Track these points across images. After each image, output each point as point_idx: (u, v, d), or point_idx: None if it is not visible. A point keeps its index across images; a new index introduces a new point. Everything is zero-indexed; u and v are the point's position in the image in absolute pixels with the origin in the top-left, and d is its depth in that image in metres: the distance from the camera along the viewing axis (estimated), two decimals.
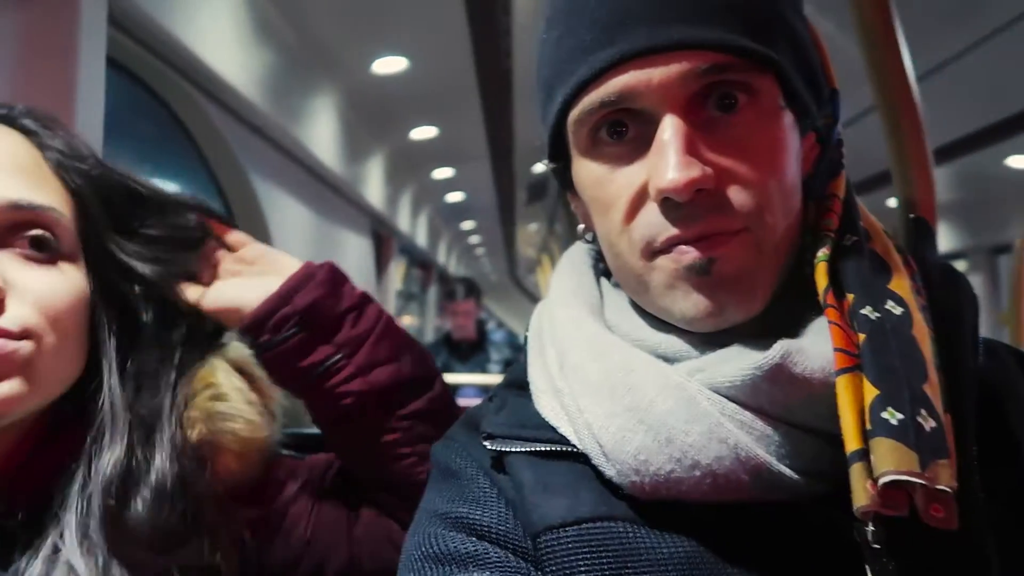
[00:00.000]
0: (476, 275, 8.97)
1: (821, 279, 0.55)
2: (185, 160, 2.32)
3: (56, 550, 0.62)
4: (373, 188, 4.16)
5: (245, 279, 0.78)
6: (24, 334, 0.59)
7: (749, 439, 0.52)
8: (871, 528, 0.48)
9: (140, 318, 0.71)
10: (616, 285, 0.70)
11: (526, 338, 0.74)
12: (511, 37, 2.81)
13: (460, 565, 0.60)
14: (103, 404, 0.67)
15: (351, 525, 0.80)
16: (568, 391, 0.61)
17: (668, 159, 0.51)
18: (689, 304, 0.55)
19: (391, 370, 0.77)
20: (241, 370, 0.77)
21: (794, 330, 0.55)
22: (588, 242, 0.74)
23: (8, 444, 0.63)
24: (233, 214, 2.55)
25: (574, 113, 0.58)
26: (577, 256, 0.74)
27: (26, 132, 0.67)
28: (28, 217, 0.62)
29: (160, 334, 0.72)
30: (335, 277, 0.78)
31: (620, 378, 0.57)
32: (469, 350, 4.41)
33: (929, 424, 0.48)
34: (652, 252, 0.56)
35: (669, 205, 0.53)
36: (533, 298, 15.79)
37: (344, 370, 0.76)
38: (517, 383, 0.71)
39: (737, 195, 0.53)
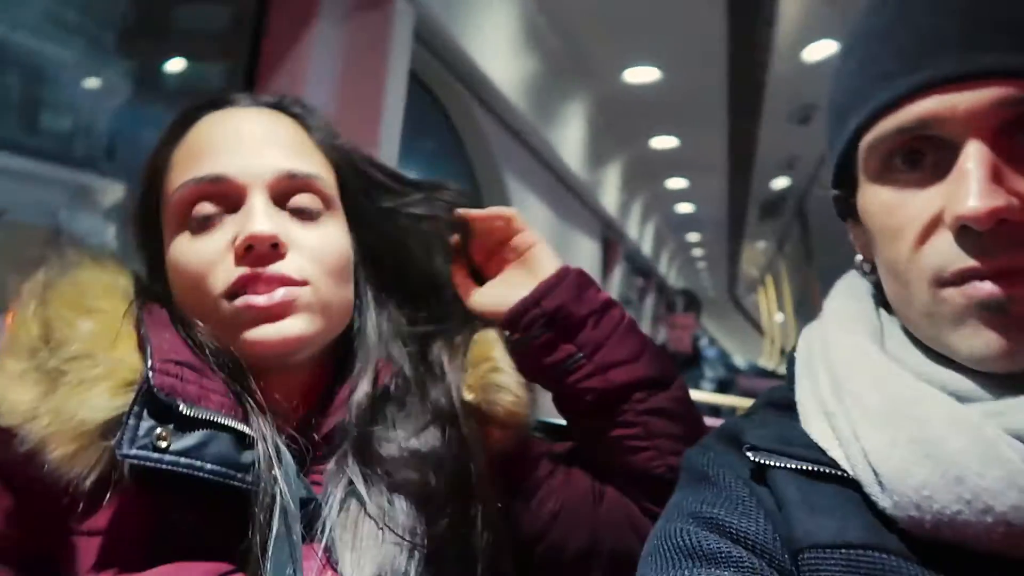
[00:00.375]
0: (694, 289, 8.75)
1: None
2: (452, 156, 2.55)
3: (350, 481, 0.69)
4: (608, 193, 4.24)
5: (507, 280, 0.85)
6: (304, 281, 0.67)
7: None
8: None
9: (406, 277, 0.80)
10: (897, 317, 0.68)
11: (791, 359, 0.74)
12: (769, 51, 2.74)
13: (712, 563, 0.60)
14: (361, 342, 0.76)
15: (596, 504, 0.84)
16: (843, 416, 0.60)
17: (970, 186, 0.49)
18: (979, 342, 0.53)
19: (629, 370, 0.81)
20: None
21: None
22: (865, 273, 0.72)
23: (307, 379, 0.72)
24: (485, 207, 2.74)
25: (867, 139, 0.57)
26: (856, 283, 0.73)
27: (294, 116, 0.75)
28: (300, 184, 0.70)
29: (430, 299, 0.81)
30: (582, 281, 0.82)
31: (906, 409, 0.55)
32: (683, 364, 4.31)
33: None
34: (941, 282, 0.54)
35: (966, 235, 0.51)
36: (750, 318, 15.02)
37: (583, 368, 0.81)
38: (781, 402, 0.71)
39: None
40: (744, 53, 2.72)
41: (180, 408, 0.60)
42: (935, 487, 0.52)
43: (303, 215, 0.71)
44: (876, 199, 0.59)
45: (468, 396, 0.78)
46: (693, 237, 8.20)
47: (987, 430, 0.52)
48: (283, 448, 0.66)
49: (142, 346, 0.63)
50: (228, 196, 0.68)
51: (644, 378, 0.82)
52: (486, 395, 0.79)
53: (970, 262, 0.52)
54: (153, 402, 0.59)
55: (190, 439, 0.60)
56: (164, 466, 0.58)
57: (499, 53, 2.22)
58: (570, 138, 3.22)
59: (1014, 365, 0.53)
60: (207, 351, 0.66)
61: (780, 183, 5.09)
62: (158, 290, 0.72)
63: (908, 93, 0.53)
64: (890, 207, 0.58)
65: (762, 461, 0.65)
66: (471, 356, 0.82)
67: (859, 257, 0.71)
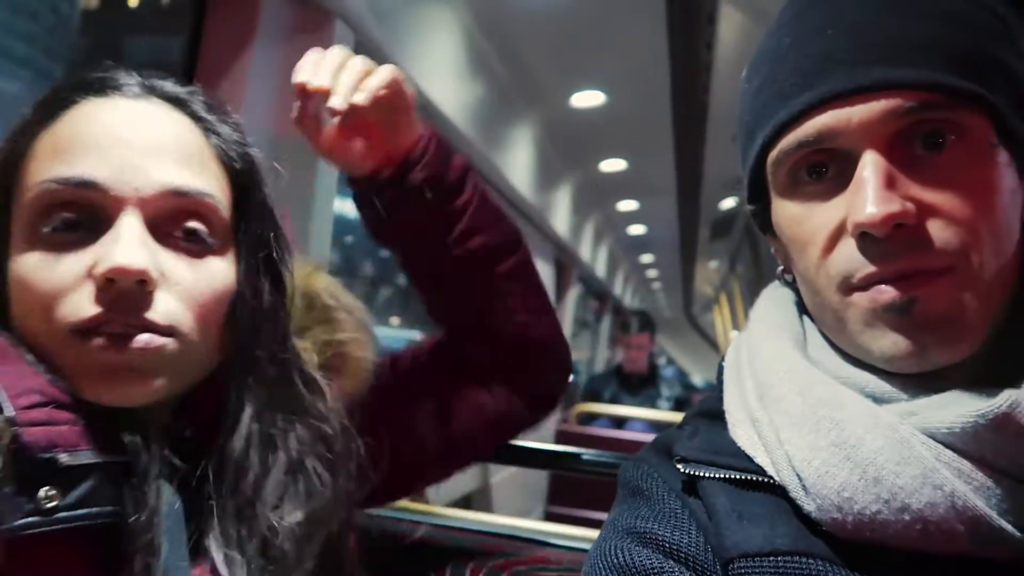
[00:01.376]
0: (651, 309, 8.84)
1: None
2: None
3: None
4: (560, 217, 4.27)
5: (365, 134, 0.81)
6: (170, 330, 0.58)
7: (967, 489, 0.50)
8: None
9: (264, 297, 0.67)
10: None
11: (720, 368, 0.76)
12: (711, 73, 2.81)
13: None
14: (232, 396, 0.66)
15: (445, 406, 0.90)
16: (767, 422, 0.62)
17: (867, 194, 0.52)
18: (887, 343, 0.55)
19: (483, 240, 0.87)
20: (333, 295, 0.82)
21: (1019, 379, 0.53)
22: (787, 283, 0.74)
23: (167, 399, 0.62)
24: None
25: (773, 154, 0.60)
26: (779, 292, 0.75)
27: (195, 118, 0.64)
28: (187, 205, 0.60)
29: (277, 304, 0.69)
30: (444, 146, 0.85)
31: (826, 413, 0.57)
32: (640, 384, 4.36)
33: None
34: (849, 288, 0.56)
35: (867, 241, 0.54)
36: (707, 337, 15.25)
37: (449, 234, 0.85)
38: (710, 412, 0.72)
39: (941, 232, 0.52)
40: (686, 75, 2.78)
41: (62, 460, 0.52)
42: (855, 488, 0.53)
43: (184, 245, 0.61)
44: (785, 212, 0.62)
45: (314, 360, 0.74)
46: (647, 258, 8.31)
47: (902, 430, 0.53)
48: (156, 468, 0.59)
49: None
50: (95, 208, 0.57)
51: (499, 244, 0.89)
52: (326, 352, 0.77)
53: (872, 268, 0.54)
54: (27, 461, 0.50)
55: (79, 489, 0.53)
56: (57, 527, 0.51)
57: (444, 78, 2.23)
58: (519, 162, 3.25)
59: (923, 364, 0.55)
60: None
61: (728, 203, 5.20)
62: None
63: (806, 109, 0.56)
64: (798, 219, 0.60)
65: (692, 472, 0.65)
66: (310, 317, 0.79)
67: (780, 268, 0.73)
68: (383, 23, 1.73)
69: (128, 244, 0.56)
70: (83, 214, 0.57)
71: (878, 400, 0.58)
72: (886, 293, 0.54)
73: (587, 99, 3.09)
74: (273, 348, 0.68)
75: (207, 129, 0.65)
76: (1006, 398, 0.51)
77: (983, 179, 0.54)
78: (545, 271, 4.33)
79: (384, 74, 0.78)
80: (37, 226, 0.57)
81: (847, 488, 0.53)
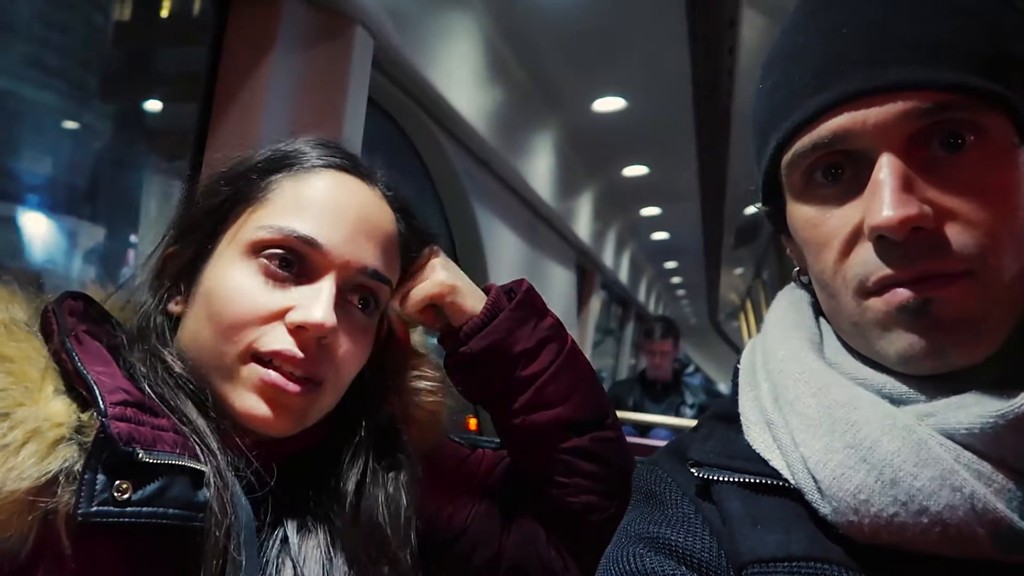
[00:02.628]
0: (675, 317, 8.79)
1: None
2: (420, 189, 2.55)
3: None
4: (582, 222, 4.26)
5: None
6: (320, 383, 0.69)
7: (987, 491, 0.49)
8: None
9: (387, 357, 0.83)
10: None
11: (736, 370, 0.74)
12: (734, 78, 2.79)
13: None
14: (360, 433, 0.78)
15: (505, 527, 0.87)
16: (782, 424, 0.61)
17: (883, 197, 0.51)
18: (904, 345, 0.54)
19: (554, 412, 0.83)
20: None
21: None
22: (803, 285, 0.73)
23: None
24: (454, 239, 2.75)
25: (787, 156, 0.59)
26: (795, 294, 0.74)
27: (399, 211, 0.78)
28: (372, 285, 0.73)
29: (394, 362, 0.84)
30: (518, 316, 0.83)
31: (842, 414, 0.56)
32: (663, 391, 4.32)
33: None
34: (865, 292, 0.55)
35: (884, 244, 0.53)
36: (733, 345, 15.09)
37: (510, 404, 0.83)
38: (725, 415, 0.71)
39: (958, 236, 0.51)
40: (708, 80, 2.77)
41: (139, 456, 0.57)
42: (871, 490, 0.52)
43: (354, 312, 0.73)
44: (801, 215, 0.61)
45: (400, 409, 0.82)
46: (671, 264, 8.26)
47: (919, 431, 0.52)
48: (235, 483, 0.64)
49: (72, 386, 0.59)
50: (307, 259, 0.69)
51: (568, 420, 0.83)
52: (408, 397, 0.83)
53: (888, 271, 0.53)
54: (109, 451, 0.56)
55: (151, 487, 0.57)
56: (126, 519, 0.55)
57: (465, 84, 2.24)
58: (541, 168, 3.25)
59: (940, 365, 0.54)
60: (161, 382, 0.65)
61: (753, 209, 5.14)
62: (92, 311, 0.69)
63: (821, 110, 0.55)
64: (814, 222, 0.59)
65: (706, 476, 0.65)
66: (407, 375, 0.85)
67: (796, 269, 0.72)
68: (403, 30, 1.75)
69: (327, 305, 0.67)
70: (296, 261, 0.69)
71: (895, 401, 0.56)
72: (900, 295, 0.53)
73: (608, 104, 3.08)
74: (382, 401, 0.81)
75: (402, 221, 0.78)
76: None
77: (1004, 181, 0.52)
78: (567, 277, 4.33)
79: (423, 292, 0.83)
80: (254, 254, 0.68)
81: (863, 490, 0.52)
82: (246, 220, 0.70)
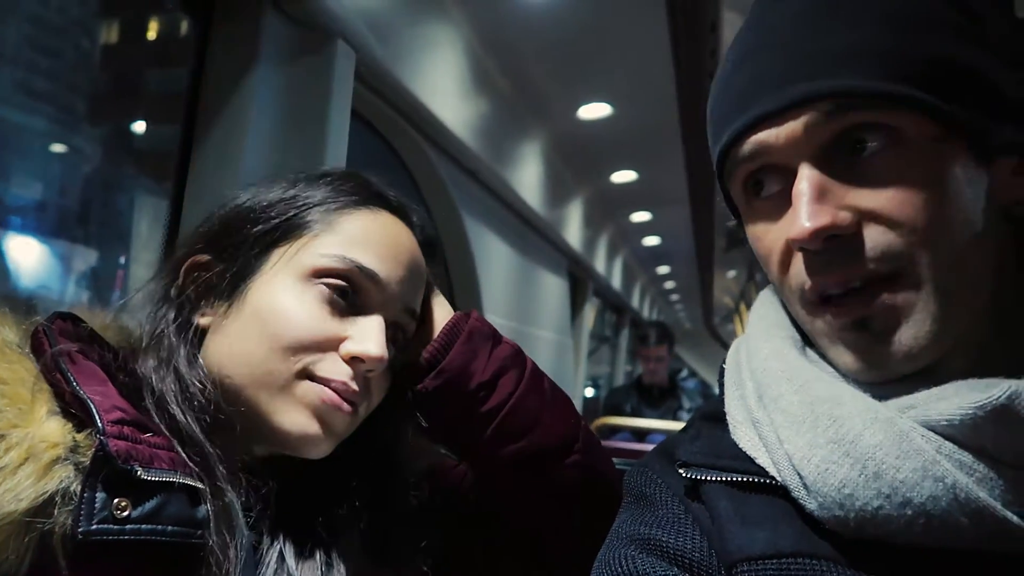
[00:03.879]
0: (670, 322, 8.79)
1: None
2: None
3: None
4: (572, 230, 4.27)
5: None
6: (356, 407, 0.72)
7: (969, 480, 0.49)
8: None
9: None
10: None
11: (722, 370, 0.75)
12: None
13: None
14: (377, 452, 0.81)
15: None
16: (767, 422, 0.61)
17: (799, 209, 0.53)
18: (849, 359, 0.57)
19: (518, 447, 0.80)
20: None
21: (1019, 371, 0.52)
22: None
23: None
24: (444, 250, 2.76)
25: (726, 174, 0.63)
26: (776, 295, 0.74)
27: (431, 258, 0.83)
28: (406, 322, 0.78)
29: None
30: (469, 349, 0.80)
31: (824, 409, 0.56)
32: (660, 396, 4.33)
33: None
34: (807, 303, 0.59)
35: (807, 255, 0.55)
36: (728, 348, 15.10)
37: (476, 441, 0.80)
38: (713, 415, 0.72)
39: (880, 238, 0.52)
40: (691, 84, 2.78)
41: (138, 473, 0.57)
42: (855, 484, 0.52)
43: (389, 349, 0.74)
44: (749, 231, 0.64)
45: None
46: (663, 269, 8.27)
47: (901, 423, 0.52)
48: (234, 499, 0.64)
49: (66, 406, 0.60)
50: (363, 291, 0.72)
51: (535, 451, 0.81)
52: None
53: (812, 279, 0.56)
54: (108, 469, 0.56)
55: (149, 504, 0.58)
56: (125, 537, 0.56)
57: (449, 95, 2.25)
58: (529, 176, 3.25)
59: (890, 374, 0.56)
60: (167, 397, 0.65)
61: None
62: (82, 331, 0.68)
63: (743, 130, 0.58)
64: (758, 236, 0.62)
65: (694, 476, 0.65)
66: None
67: None
68: (385, 43, 1.75)
69: (380, 340, 0.71)
70: (355, 290, 0.72)
71: (876, 395, 0.57)
72: (840, 317, 0.56)
73: (594, 111, 3.09)
74: (384, 422, 0.82)
75: (428, 278, 0.83)
76: (1005, 389, 0.49)
77: (923, 177, 0.53)
78: (560, 285, 4.33)
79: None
80: (312, 278, 0.71)
81: (848, 484, 0.52)
82: (305, 245, 0.72)
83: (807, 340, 0.66)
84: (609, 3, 2.24)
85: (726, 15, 2.32)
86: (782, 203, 0.58)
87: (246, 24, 1.43)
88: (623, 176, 4.19)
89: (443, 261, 0.92)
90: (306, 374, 0.69)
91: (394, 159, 2.41)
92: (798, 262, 0.58)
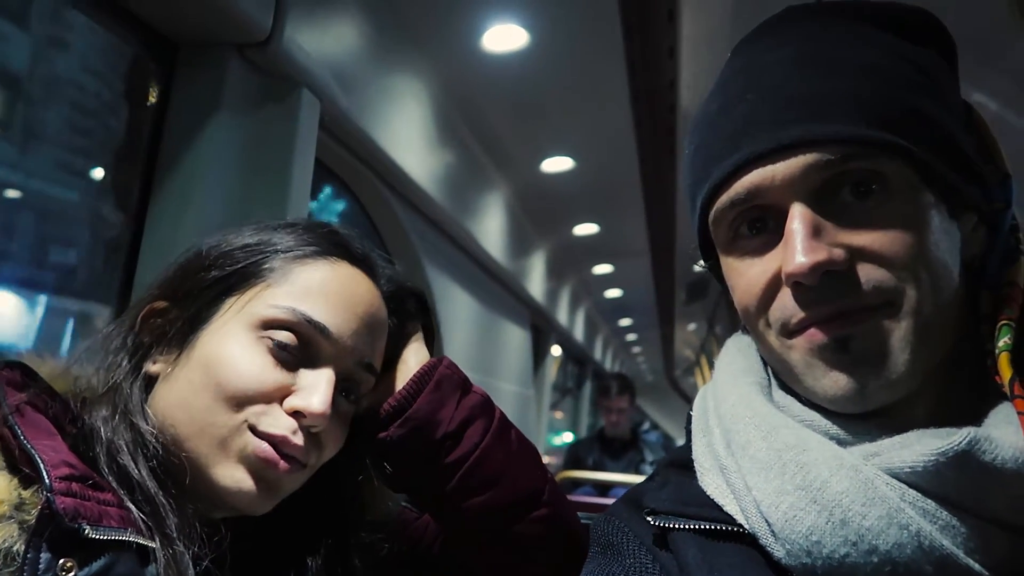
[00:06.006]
0: (632, 374, 8.82)
1: (1005, 370, 0.53)
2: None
3: None
4: (535, 281, 4.29)
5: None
6: (303, 466, 0.70)
7: (932, 528, 0.49)
8: None
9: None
10: None
11: (689, 417, 0.74)
12: (675, 136, 2.88)
13: None
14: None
15: None
16: (735, 469, 0.61)
17: (795, 245, 0.54)
18: (829, 383, 0.56)
19: (482, 500, 0.78)
20: None
21: (975, 419, 0.53)
22: (747, 332, 0.74)
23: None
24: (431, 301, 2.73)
25: (711, 214, 0.63)
26: (743, 341, 0.75)
27: (392, 312, 0.80)
28: (362, 378, 0.75)
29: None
30: (436, 398, 0.78)
31: (791, 456, 0.56)
32: (622, 448, 4.31)
33: None
34: (788, 332, 0.59)
35: (800, 289, 0.56)
36: (690, 401, 15.20)
37: (438, 493, 0.78)
38: (680, 462, 0.71)
39: (872, 273, 0.54)
40: (651, 139, 2.85)
41: (86, 532, 0.55)
42: (822, 531, 0.52)
43: (339, 402, 0.73)
44: (728, 265, 0.64)
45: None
46: (625, 322, 8.34)
47: (866, 471, 0.52)
48: (185, 560, 0.61)
49: (13, 461, 0.57)
50: (312, 344, 0.70)
51: (499, 505, 0.79)
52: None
53: (804, 313, 0.56)
54: (54, 528, 0.54)
55: (96, 564, 0.55)
56: None
57: (413, 145, 2.26)
58: (492, 228, 3.28)
59: (865, 402, 0.56)
60: (123, 449, 0.62)
61: (701, 266, 5.25)
62: (31, 382, 0.66)
63: (734, 170, 0.59)
64: (739, 272, 0.62)
65: (663, 524, 0.64)
66: None
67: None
68: (349, 93, 1.76)
69: (326, 396, 0.69)
70: (301, 343, 0.70)
71: (842, 442, 0.58)
72: (820, 334, 0.56)
73: (557, 164, 3.15)
74: (343, 479, 0.81)
75: (393, 318, 0.81)
76: (965, 435, 0.50)
77: (909, 219, 0.55)
78: (522, 336, 4.32)
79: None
80: (258, 330, 0.69)
81: (815, 532, 0.52)
82: (258, 295, 0.70)
83: (778, 384, 0.66)
84: (572, 61, 2.30)
85: (683, 73, 2.40)
86: (768, 240, 0.59)
87: (210, 70, 1.43)
88: (585, 228, 4.25)
89: (424, 310, 0.86)
90: (249, 427, 0.66)
91: (356, 208, 2.40)
92: (784, 296, 0.58)
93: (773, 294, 0.59)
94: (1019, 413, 0.50)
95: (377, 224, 2.49)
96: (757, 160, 0.57)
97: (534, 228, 4.05)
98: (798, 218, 0.55)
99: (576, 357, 7.57)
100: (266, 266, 0.72)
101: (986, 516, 0.50)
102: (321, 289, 0.71)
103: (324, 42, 1.63)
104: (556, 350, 6.05)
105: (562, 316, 5.43)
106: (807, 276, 0.53)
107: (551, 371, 5.68)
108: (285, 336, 0.69)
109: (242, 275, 0.71)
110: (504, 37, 2.13)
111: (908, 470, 0.51)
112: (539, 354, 5.25)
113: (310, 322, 0.69)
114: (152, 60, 1.45)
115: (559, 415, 8.59)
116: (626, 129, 2.74)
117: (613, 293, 6.43)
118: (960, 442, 0.50)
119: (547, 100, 2.57)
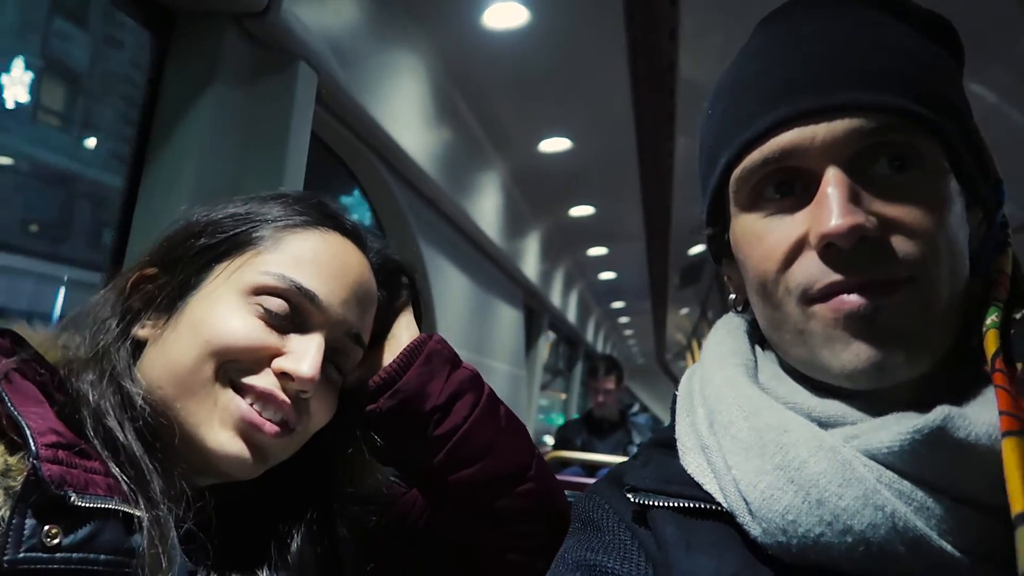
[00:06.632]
0: (623, 357, 8.87)
1: (991, 344, 0.53)
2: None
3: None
4: (529, 262, 4.29)
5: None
6: (291, 431, 0.70)
7: (907, 509, 0.50)
8: None
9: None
10: (770, 351, 0.70)
11: (675, 397, 0.75)
12: (675, 121, 2.87)
13: None
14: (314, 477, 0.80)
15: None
16: (716, 448, 0.62)
17: (831, 207, 0.53)
18: (849, 355, 0.55)
19: (469, 473, 0.79)
20: None
21: (956, 399, 0.54)
22: (739, 311, 0.75)
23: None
24: (422, 277, 2.73)
25: (736, 172, 0.62)
26: (732, 322, 0.75)
27: (381, 284, 0.81)
28: (351, 348, 0.76)
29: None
30: (426, 371, 0.79)
31: (772, 437, 0.57)
32: (609, 429, 4.34)
33: None
34: (810, 299, 0.57)
35: (831, 252, 0.55)
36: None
37: (427, 465, 0.79)
38: (663, 442, 0.72)
39: (902, 244, 0.54)
40: (650, 122, 2.84)
41: (72, 499, 0.55)
42: (799, 511, 0.53)
43: (328, 371, 0.74)
44: (747, 226, 0.63)
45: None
46: (618, 304, 8.36)
47: (844, 452, 0.53)
48: (171, 528, 0.62)
49: (0, 429, 0.57)
50: (302, 312, 0.71)
51: (486, 479, 0.80)
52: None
53: (836, 277, 0.55)
54: (39, 495, 0.54)
55: (82, 531, 0.55)
56: (55, 566, 0.53)
57: (411, 122, 2.25)
58: (488, 207, 3.27)
59: (885, 378, 0.55)
60: (111, 415, 0.63)
61: (697, 248, 5.27)
62: (20, 349, 0.66)
63: (772, 126, 0.58)
64: (759, 233, 0.61)
65: (642, 502, 0.65)
66: None
67: (732, 296, 0.74)
68: (348, 67, 1.75)
69: (315, 360, 0.69)
70: (293, 310, 0.71)
71: (824, 424, 0.58)
72: (849, 302, 0.54)
73: (554, 145, 3.14)
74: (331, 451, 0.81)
75: (383, 291, 0.82)
76: (940, 413, 0.51)
77: (938, 196, 0.56)
78: (515, 317, 4.33)
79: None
80: (250, 295, 0.69)
81: (791, 511, 0.53)
82: (248, 262, 0.71)
83: (768, 364, 0.66)
84: (573, 41, 2.28)
85: (683, 56, 2.39)
86: (795, 204, 0.59)
87: (206, 40, 1.41)
88: (581, 210, 4.24)
89: (412, 286, 0.86)
90: (229, 381, 0.67)
91: (352, 182, 2.40)
92: (807, 260, 0.57)
93: (794, 258, 0.58)
94: (997, 387, 0.50)
95: (373, 200, 2.49)
96: (798, 119, 0.56)
97: (530, 208, 4.05)
98: (834, 181, 0.54)
99: (568, 338, 7.59)
100: (256, 234, 0.72)
101: (961, 497, 0.51)
102: (312, 258, 0.72)
103: (322, 14, 1.62)
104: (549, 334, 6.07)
105: (555, 297, 5.44)
106: (844, 238, 0.53)
107: (543, 352, 5.70)
108: (275, 303, 0.69)
109: (232, 242, 0.72)
110: (505, 14, 2.12)
111: (885, 451, 0.52)
112: (532, 335, 5.26)
113: (300, 289, 0.70)
114: (148, 29, 1.44)
115: (563, 396, 8.64)
116: (625, 111, 2.73)
117: (607, 275, 6.44)
118: (935, 420, 0.51)
119: (546, 79, 2.56)
